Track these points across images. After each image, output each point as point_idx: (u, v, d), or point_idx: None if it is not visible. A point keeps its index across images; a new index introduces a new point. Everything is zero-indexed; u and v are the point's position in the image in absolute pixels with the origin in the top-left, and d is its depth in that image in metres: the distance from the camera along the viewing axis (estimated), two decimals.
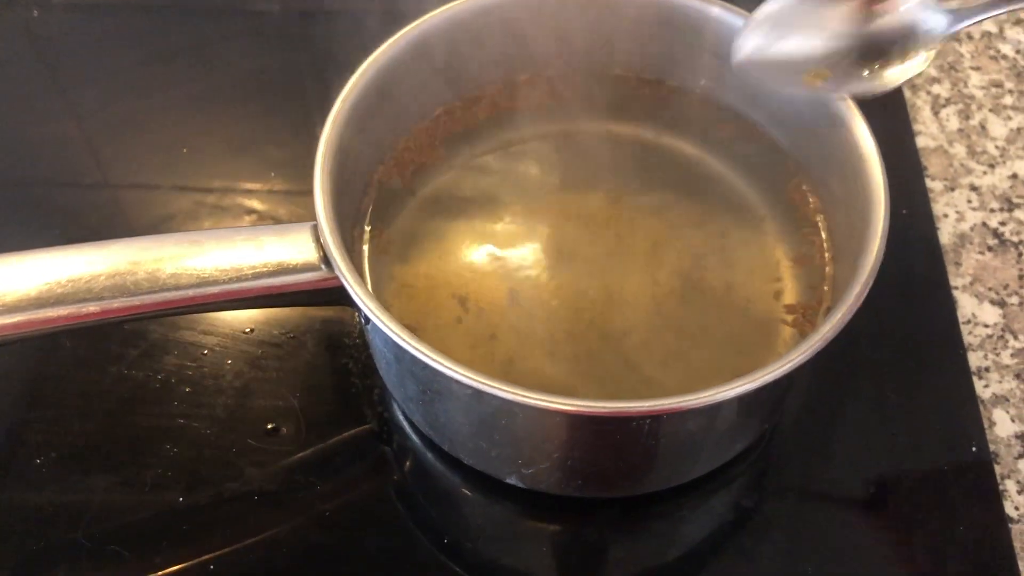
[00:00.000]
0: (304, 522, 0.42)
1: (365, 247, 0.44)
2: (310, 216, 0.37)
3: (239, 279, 0.37)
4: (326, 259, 0.37)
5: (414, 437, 0.44)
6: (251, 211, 0.53)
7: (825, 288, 0.42)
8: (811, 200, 0.44)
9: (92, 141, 0.58)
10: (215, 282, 0.36)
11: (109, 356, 0.46)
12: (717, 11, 0.43)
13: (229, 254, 0.37)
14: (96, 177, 0.56)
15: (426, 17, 0.43)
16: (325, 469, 0.44)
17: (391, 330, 0.34)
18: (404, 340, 0.34)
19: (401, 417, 0.44)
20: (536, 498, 0.41)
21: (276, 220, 0.53)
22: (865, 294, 0.35)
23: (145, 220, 0.54)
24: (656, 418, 0.34)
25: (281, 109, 0.59)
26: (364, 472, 0.44)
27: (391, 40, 0.43)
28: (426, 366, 0.34)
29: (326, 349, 0.47)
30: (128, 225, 0.54)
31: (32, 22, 0.64)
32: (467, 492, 0.43)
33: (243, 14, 0.65)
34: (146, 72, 0.61)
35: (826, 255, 0.43)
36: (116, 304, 0.35)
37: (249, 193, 0.54)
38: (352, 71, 0.42)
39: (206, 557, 0.41)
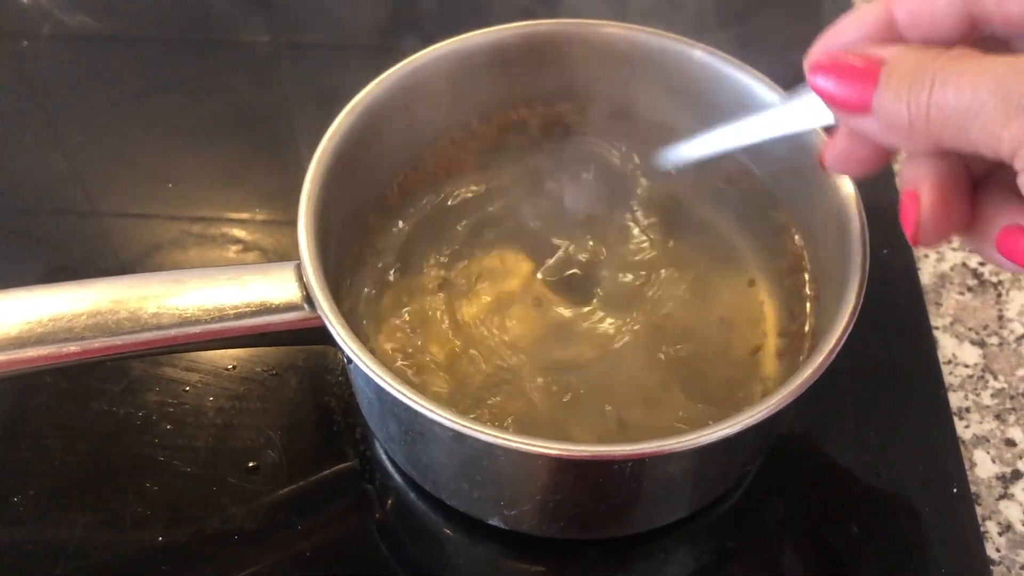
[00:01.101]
0: (284, 560, 0.42)
1: (352, 286, 0.44)
2: (295, 246, 0.38)
3: (221, 319, 0.37)
4: (309, 299, 0.37)
5: (396, 476, 0.44)
6: (237, 241, 0.53)
7: (807, 328, 0.42)
8: (796, 239, 0.44)
9: (79, 172, 0.58)
10: (197, 322, 0.36)
11: (90, 392, 0.46)
12: (700, 54, 0.44)
13: (212, 293, 0.37)
14: (83, 207, 0.57)
15: (415, 56, 0.44)
16: (306, 507, 0.43)
17: (372, 371, 0.34)
18: (386, 381, 0.34)
19: (383, 456, 0.44)
20: (518, 539, 0.41)
21: (261, 250, 0.53)
22: (844, 339, 0.35)
23: (131, 250, 0.54)
24: (638, 461, 0.34)
25: (268, 141, 0.59)
26: (345, 511, 0.44)
27: (380, 77, 0.43)
28: (407, 407, 0.34)
29: (309, 387, 0.47)
30: (115, 255, 0.54)
31: (21, 53, 0.65)
32: (449, 532, 0.43)
33: (231, 46, 0.66)
34: (134, 103, 0.61)
35: (808, 294, 0.43)
36: (97, 344, 0.35)
37: (235, 223, 0.54)
38: (341, 104, 0.42)
39: None
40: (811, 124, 0.34)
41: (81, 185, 0.58)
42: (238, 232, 0.54)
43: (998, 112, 0.25)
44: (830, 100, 0.29)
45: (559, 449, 0.33)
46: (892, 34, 0.29)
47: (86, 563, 0.41)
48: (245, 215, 0.55)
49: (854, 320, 0.36)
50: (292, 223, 0.38)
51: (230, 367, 0.47)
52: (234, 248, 0.53)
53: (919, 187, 0.29)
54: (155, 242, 0.54)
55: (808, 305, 0.43)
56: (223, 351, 0.47)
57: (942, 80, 0.26)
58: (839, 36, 0.30)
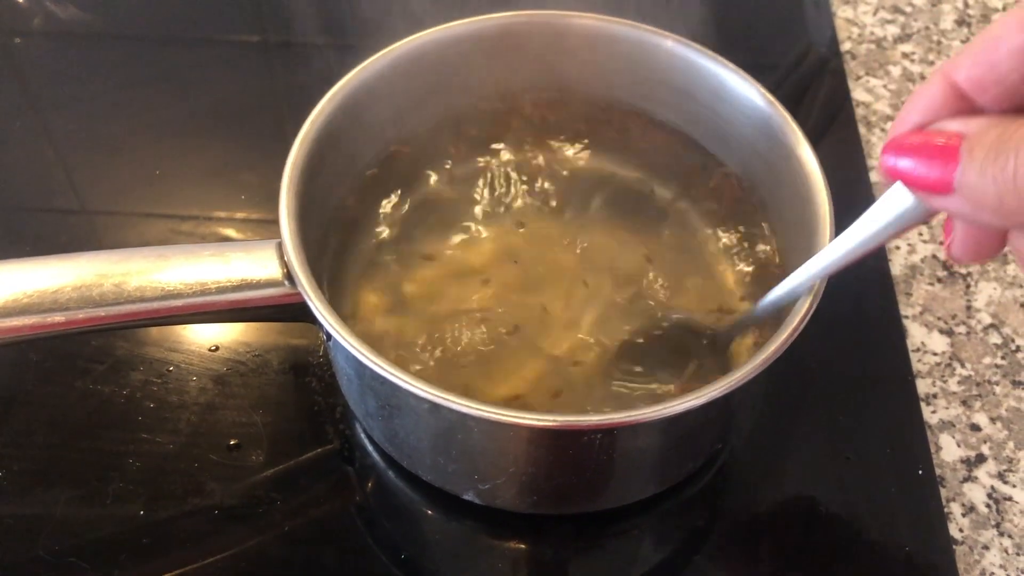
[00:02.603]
0: (265, 538, 0.42)
1: (333, 265, 0.45)
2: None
3: (203, 293, 0.37)
4: (290, 276, 0.38)
5: (375, 455, 0.45)
6: (226, 239, 0.54)
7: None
8: (764, 225, 0.46)
9: (68, 167, 0.59)
10: (180, 295, 0.37)
11: (75, 371, 0.47)
12: (670, 44, 0.45)
13: (195, 268, 0.38)
14: (72, 204, 0.57)
15: (398, 44, 0.45)
16: (287, 486, 0.44)
17: (350, 344, 0.35)
18: (362, 353, 0.35)
19: (363, 435, 0.45)
20: (493, 515, 0.42)
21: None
22: (809, 315, 0.36)
23: (119, 246, 0.53)
24: (607, 432, 0.35)
25: (259, 139, 0.60)
26: (325, 489, 0.44)
27: (362, 65, 0.44)
28: (384, 380, 0.35)
29: (291, 368, 0.48)
30: (100, 248, 0.54)
31: (12, 47, 0.66)
32: (426, 510, 0.44)
33: (219, 43, 0.66)
34: (124, 99, 0.62)
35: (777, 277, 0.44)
36: (81, 315, 0.36)
37: (224, 221, 0.55)
38: None
39: (166, 571, 0.41)
40: (904, 222, 0.30)
41: (70, 180, 0.58)
42: (227, 230, 0.55)
43: None
44: (911, 183, 0.27)
45: (530, 419, 0.34)
46: (962, 103, 0.27)
47: (67, 538, 0.42)
48: (234, 213, 0.55)
49: (819, 298, 0.37)
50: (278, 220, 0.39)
51: (213, 348, 0.48)
52: (240, 241, 0.54)
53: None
54: (144, 239, 0.54)
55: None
56: (206, 331, 0.48)
57: None
58: (908, 118, 0.28)
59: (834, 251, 0.35)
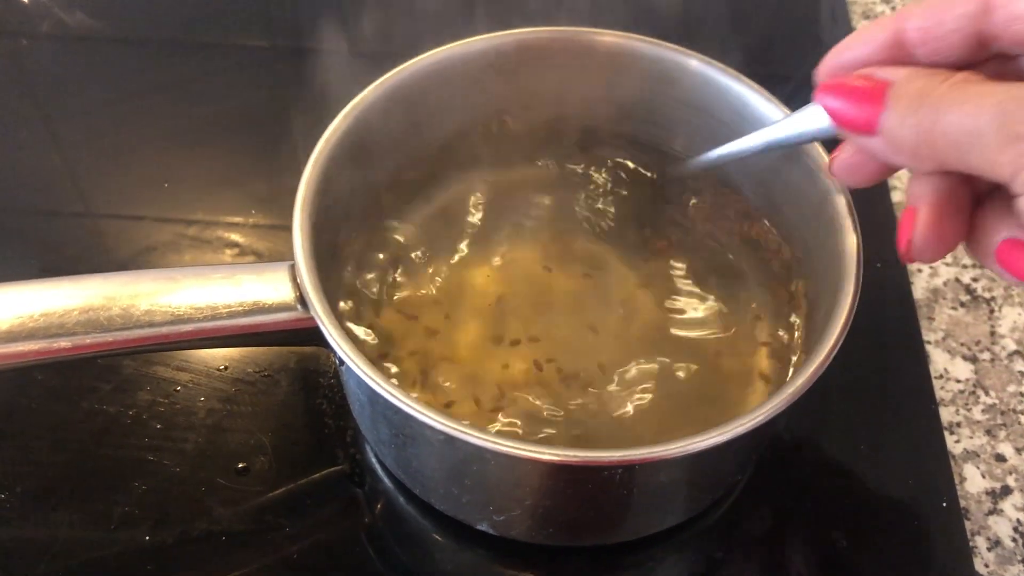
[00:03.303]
0: (272, 563, 0.42)
1: (348, 288, 0.44)
2: (291, 249, 0.37)
3: (214, 317, 0.36)
4: (302, 299, 0.37)
5: (386, 480, 0.44)
6: (232, 244, 0.53)
7: (798, 338, 0.42)
8: (786, 254, 0.45)
9: (75, 171, 0.58)
10: (189, 320, 0.36)
11: (81, 390, 0.46)
12: (696, 64, 0.44)
13: (205, 292, 0.37)
14: (78, 207, 0.56)
15: (413, 61, 0.44)
16: (295, 510, 0.43)
17: (364, 373, 0.34)
18: (377, 384, 0.34)
19: (374, 460, 0.44)
20: (507, 545, 0.41)
21: (257, 254, 0.53)
22: (836, 349, 0.35)
23: (126, 252, 0.53)
24: (628, 468, 0.34)
25: (266, 144, 0.59)
26: (334, 514, 0.43)
27: (377, 82, 0.43)
28: (399, 410, 0.34)
29: (300, 389, 0.47)
30: (109, 257, 0.54)
31: (20, 51, 0.65)
32: (438, 537, 0.43)
33: (231, 49, 0.66)
34: (132, 103, 0.61)
35: (802, 308, 0.43)
36: (88, 340, 0.35)
37: (231, 227, 0.54)
38: (339, 110, 0.42)
39: None
40: (816, 136, 0.35)
41: (77, 185, 0.58)
42: (234, 236, 0.54)
43: (996, 139, 0.25)
44: (839, 120, 0.30)
45: (549, 454, 0.33)
46: (902, 52, 0.30)
47: (71, 562, 0.41)
48: (241, 218, 0.55)
49: (847, 331, 0.36)
50: (288, 227, 0.38)
51: (222, 368, 0.47)
52: (229, 252, 0.53)
53: (919, 203, 0.30)
54: (149, 244, 0.54)
55: (801, 321, 0.43)
56: (215, 351, 0.47)
57: (946, 105, 0.26)
58: (848, 50, 0.31)
59: (759, 136, 0.39)
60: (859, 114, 0.29)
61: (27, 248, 0.54)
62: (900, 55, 0.30)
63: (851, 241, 0.38)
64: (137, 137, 0.59)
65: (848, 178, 0.34)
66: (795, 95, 0.62)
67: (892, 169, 0.33)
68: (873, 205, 0.55)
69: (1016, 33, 0.28)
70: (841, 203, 0.39)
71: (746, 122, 0.44)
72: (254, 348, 0.48)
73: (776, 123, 0.38)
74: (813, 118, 0.35)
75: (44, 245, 0.54)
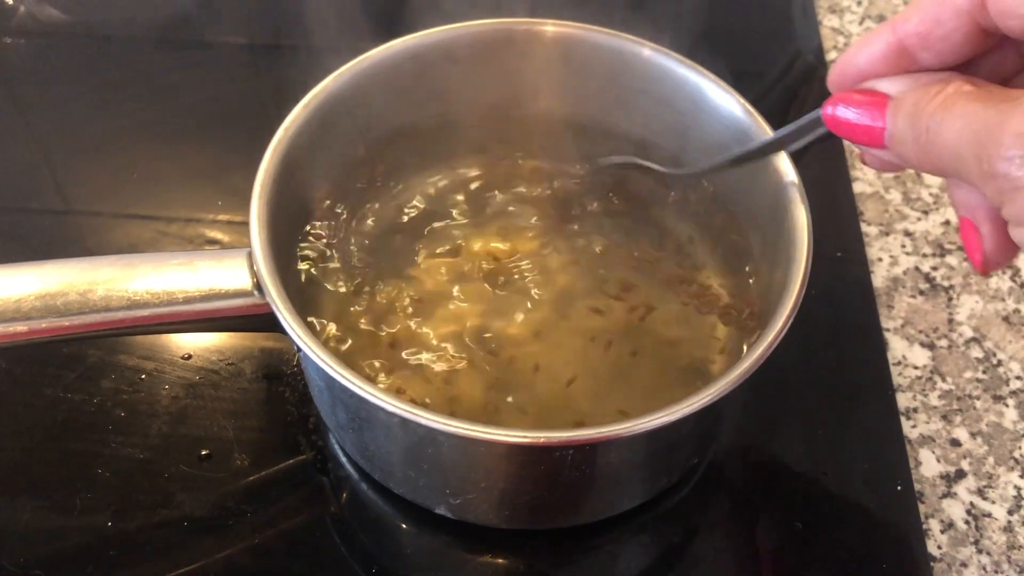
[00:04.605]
0: (236, 551, 0.42)
1: (305, 275, 0.44)
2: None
3: (171, 303, 0.37)
4: (259, 285, 0.37)
5: (348, 467, 0.44)
6: (213, 242, 0.53)
7: (751, 322, 0.43)
8: (740, 240, 0.45)
9: (53, 169, 0.58)
10: (146, 305, 0.37)
11: (45, 378, 0.46)
12: (648, 52, 0.44)
13: (162, 277, 0.37)
14: (56, 205, 0.57)
15: (372, 52, 0.44)
16: (259, 497, 0.43)
17: (319, 357, 0.34)
18: (331, 367, 0.34)
19: (336, 446, 0.45)
20: (466, 529, 0.42)
21: (227, 247, 0.53)
22: (786, 328, 0.36)
23: (106, 250, 0.53)
24: (579, 449, 0.35)
25: (247, 141, 0.58)
26: (298, 501, 0.44)
27: (336, 72, 0.44)
28: (352, 394, 0.34)
29: (264, 377, 0.47)
30: (81, 249, 0.54)
31: None
32: (400, 523, 0.43)
33: (205, 45, 0.66)
34: (108, 100, 0.61)
35: (752, 292, 0.44)
36: (44, 324, 0.35)
37: (212, 224, 0.54)
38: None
39: None
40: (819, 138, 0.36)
41: (55, 182, 0.58)
42: (207, 231, 0.54)
43: (977, 171, 0.26)
44: (846, 136, 0.31)
45: (499, 434, 0.33)
46: (904, 57, 0.30)
47: (32, 549, 0.41)
48: (214, 214, 0.55)
49: (796, 309, 0.36)
50: None
51: (185, 356, 0.47)
52: (208, 248, 0.53)
53: (976, 217, 0.30)
54: (130, 242, 0.54)
55: (756, 301, 0.44)
56: (179, 339, 0.48)
57: (936, 123, 0.27)
58: (853, 61, 0.31)
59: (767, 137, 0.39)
60: (864, 130, 0.30)
61: (3, 246, 0.54)
62: (906, 61, 0.30)
63: (802, 217, 0.39)
64: (112, 132, 0.59)
65: (881, 169, 0.34)
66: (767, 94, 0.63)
67: None
68: (836, 197, 0.56)
69: (1011, 28, 0.27)
70: (789, 178, 0.40)
71: (703, 112, 0.45)
72: (218, 337, 0.48)
73: (781, 132, 0.38)
74: (818, 124, 0.35)
75: (21, 243, 0.54)
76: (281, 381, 0.47)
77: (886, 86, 0.30)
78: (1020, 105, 0.25)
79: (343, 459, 0.44)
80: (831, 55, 0.66)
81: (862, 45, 0.31)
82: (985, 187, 0.26)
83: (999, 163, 0.25)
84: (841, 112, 0.30)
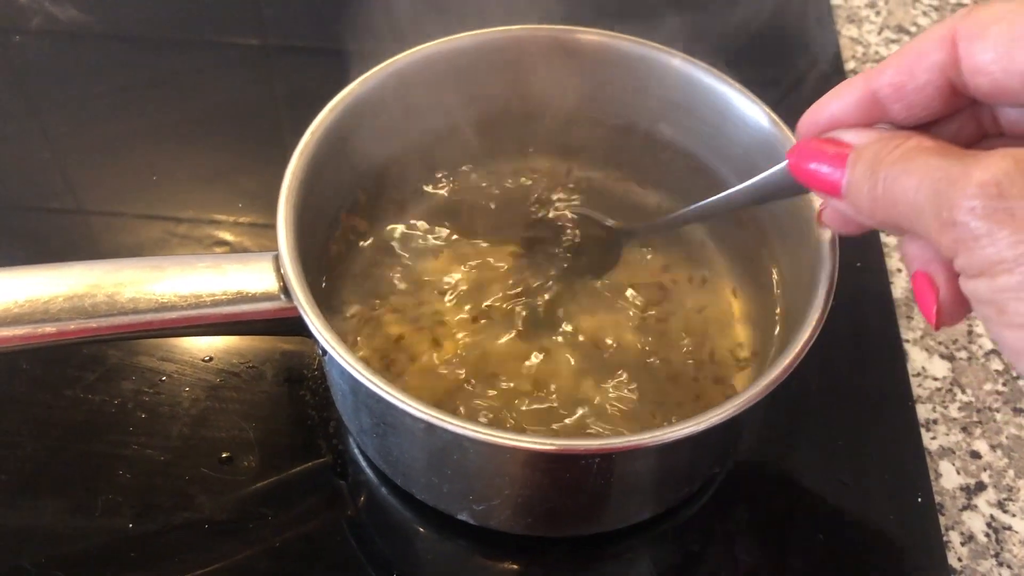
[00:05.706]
0: (255, 553, 0.42)
1: (332, 277, 0.44)
2: (277, 247, 0.38)
3: (198, 305, 0.37)
4: (286, 289, 0.37)
5: (368, 471, 0.44)
6: (222, 242, 0.54)
7: (776, 332, 0.43)
8: (763, 251, 0.45)
9: (65, 167, 0.58)
10: (174, 307, 0.37)
11: (66, 379, 0.46)
12: (677, 62, 0.45)
13: (189, 280, 0.37)
14: (68, 203, 0.57)
15: (399, 56, 0.44)
16: (278, 500, 0.43)
17: (346, 361, 0.34)
18: (359, 372, 0.34)
19: (356, 451, 0.45)
20: (487, 536, 0.42)
21: (244, 251, 0.53)
22: (810, 344, 0.36)
23: (115, 249, 0.54)
24: (604, 457, 0.35)
25: (257, 143, 0.59)
26: (317, 504, 0.44)
27: (362, 77, 0.44)
28: (380, 399, 0.34)
29: (285, 380, 0.47)
30: (98, 253, 0.53)
31: (11, 47, 0.65)
32: (419, 528, 0.43)
33: (219, 46, 0.66)
34: (122, 100, 0.61)
35: (777, 306, 0.44)
36: (73, 326, 0.35)
37: (220, 225, 0.55)
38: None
39: None
40: (794, 191, 0.35)
41: (66, 181, 0.58)
42: (223, 234, 0.54)
43: (934, 222, 0.25)
44: (806, 182, 0.31)
45: (527, 442, 0.33)
46: (875, 108, 0.30)
47: (53, 550, 0.41)
48: (231, 216, 0.55)
49: (820, 325, 0.36)
50: (275, 225, 0.38)
51: (207, 359, 0.47)
52: (219, 250, 0.53)
53: (930, 269, 0.29)
54: (139, 241, 0.54)
55: (779, 311, 0.44)
56: (200, 341, 0.48)
57: (894, 175, 0.27)
58: (825, 108, 0.31)
59: (733, 193, 0.39)
60: (823, 178, 0.29)
61: (14, 242, 0.54)
62: (876, 113, 0.30)
63: (827, 235, 0.39)
64: (128, 134, 0.60)
65: (837, 228, 0.34)
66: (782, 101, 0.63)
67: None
68: None
69: (979, 87, 0.28)
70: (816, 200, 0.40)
71: (728, 120, 0.45)
72: (239, 339, 0.48)
73: (752, 181, 0.37)
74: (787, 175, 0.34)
75: (33, 240, 0.54)
76: (302, 384, 0.47)
77: (851, 136, 0.30)
78: (981, 159, 0.25)
79: (363, 464, 0.44)
80: (850, 64, 0.66)
81: (835, 94, 0.31)
82: (941, 238, 0.25)
83: (959, 213, 0.25)
84: (804, 159, 0.30)
